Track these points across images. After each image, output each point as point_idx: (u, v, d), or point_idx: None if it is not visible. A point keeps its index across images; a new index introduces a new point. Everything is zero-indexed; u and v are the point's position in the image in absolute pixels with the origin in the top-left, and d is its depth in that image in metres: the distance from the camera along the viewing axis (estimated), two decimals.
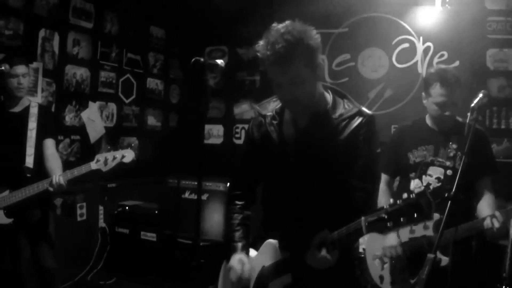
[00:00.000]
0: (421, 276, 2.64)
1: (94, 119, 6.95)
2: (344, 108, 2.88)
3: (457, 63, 6.83)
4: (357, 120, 2.82)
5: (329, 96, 2.94)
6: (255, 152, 3.13)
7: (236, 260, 2.97)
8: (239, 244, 3.05)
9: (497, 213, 3.48)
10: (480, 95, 3.29)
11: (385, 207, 2.39)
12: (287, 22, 2.67)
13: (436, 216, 3.39)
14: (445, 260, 3.52)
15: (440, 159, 3.87)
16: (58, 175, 4.47)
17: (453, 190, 2.92)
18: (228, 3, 7.66)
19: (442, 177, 3.84)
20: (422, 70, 7.25)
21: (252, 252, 3.10)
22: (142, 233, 6.66)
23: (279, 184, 3.04)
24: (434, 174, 3.87)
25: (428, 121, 4.05)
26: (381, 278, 4.05)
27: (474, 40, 6.58)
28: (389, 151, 4.18)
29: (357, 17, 7.61)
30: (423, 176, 3.90)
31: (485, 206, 3.78)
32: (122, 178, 7.22)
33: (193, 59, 3.19)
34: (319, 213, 2.79)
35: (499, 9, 6.77)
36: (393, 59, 7.41)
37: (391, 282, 3.98)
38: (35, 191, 4.47)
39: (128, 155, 4.46)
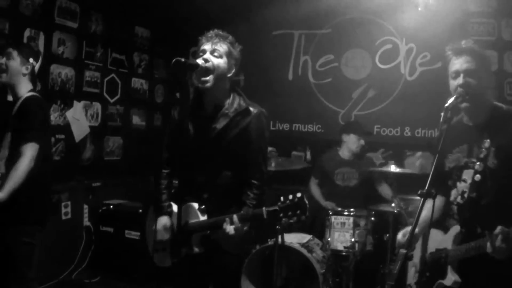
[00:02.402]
0: (393, 271, 2.71)
1: (79, 118, 6.95)
2: (239, 104, 3.69)
3: (439, 64, 6.88)
4: (248, 117, 3.66)
5: (231, 94, 3.74)
6: (173, 130, 3.93)
7: (162, 224, 3.75)
8: (165, 205, 3.82)
9: (503, 230, 2.86)
10: (456, 93, 3.19)
11: (278, 203, 3.29)
12: None
13: (457, 228, 3.27)
14: (451, 280, 3.16)
15: (474, 160, 3.27)
16: None
17: (427, 184, 2.93)
18: (213, 3, 7.68)
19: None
20: (404, 71, 7.35)
21: (174, 207, 3.78)
22: (126, 231, 6.67)
23: (187, 159, 3.72)
24: (468, 179, 3.28)
25: (464, 115, 3.39)
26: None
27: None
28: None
29: (341, 18, 7.70)
30: (457, 183, 3.33)
31: None
32: (107, 177, 7.32)
33: (174, 60, 3.21)
34: (217, 189, 3.69)
35: (481, 10, 6.89)
36: (376, 60, 7.51)
37: None
38: None
39: None
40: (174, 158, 3.89)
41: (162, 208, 3.81)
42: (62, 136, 6.71)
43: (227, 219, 3.47)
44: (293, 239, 5.62)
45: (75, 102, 6.93)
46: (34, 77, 4.48)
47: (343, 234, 5.62)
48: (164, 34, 8.47)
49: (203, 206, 3.69)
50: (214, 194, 3.70)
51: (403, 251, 2.73)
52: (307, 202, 3.25)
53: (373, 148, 7.23)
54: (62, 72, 6.66)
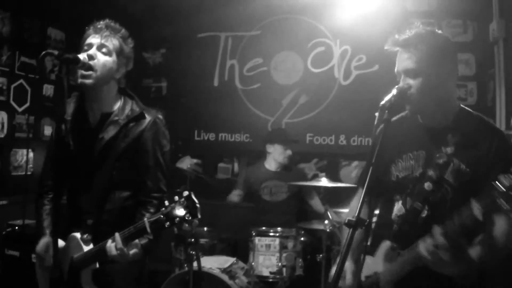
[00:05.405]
0: None
1: None
2: (131, 109, 3.23)
3: (376, 67, 6.83)
4: (142, 124, 3.20)
5: (120, 99, 3.28)
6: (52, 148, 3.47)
7: (43, 246, 3.32)
8: (47, 231, 3.35)
9: (440, 240, 2.34)
10: (394, 91, 2.58)
11: (162, 209, 2.79)
12: None
13: (386, 244, 2.73)
14: None
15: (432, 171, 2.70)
16: None
17: (356, 211, 2.34)
18: (135, 4, 7.24)
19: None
20: (339, 75, 7.15)
21: (61, 243, 3.20)
22: (33, 255, 6.05)
23: (72, 180, 3.29)
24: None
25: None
26: None
27: None
28: (367, 162, 3.01)
29: (270, 19, 7.45)
30: (408, 199, 2.73)
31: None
32: (14, 195, 6.72)
33: (43, 52, 2.66)
34: (106, 214, 3.20)
35: (420, 10, 6.75)
36: (308, 63, 7.30)
37: None
38: None
39: None
40: (58, 182, 3.32)
41: (43, 229, 3.39)
42: None
43: (109, 239, 2.99)
44: (214, 263, 5.15)
45: None
46: None
47: (268, 257, 5.23)
48: (80, 37, 7.87)
49: (86, 235, 3.16)
50: (102, 220, 3.21)
51: None
52: (196, 200, 2.77)
53: (306, 158, 7.05)
54: None
